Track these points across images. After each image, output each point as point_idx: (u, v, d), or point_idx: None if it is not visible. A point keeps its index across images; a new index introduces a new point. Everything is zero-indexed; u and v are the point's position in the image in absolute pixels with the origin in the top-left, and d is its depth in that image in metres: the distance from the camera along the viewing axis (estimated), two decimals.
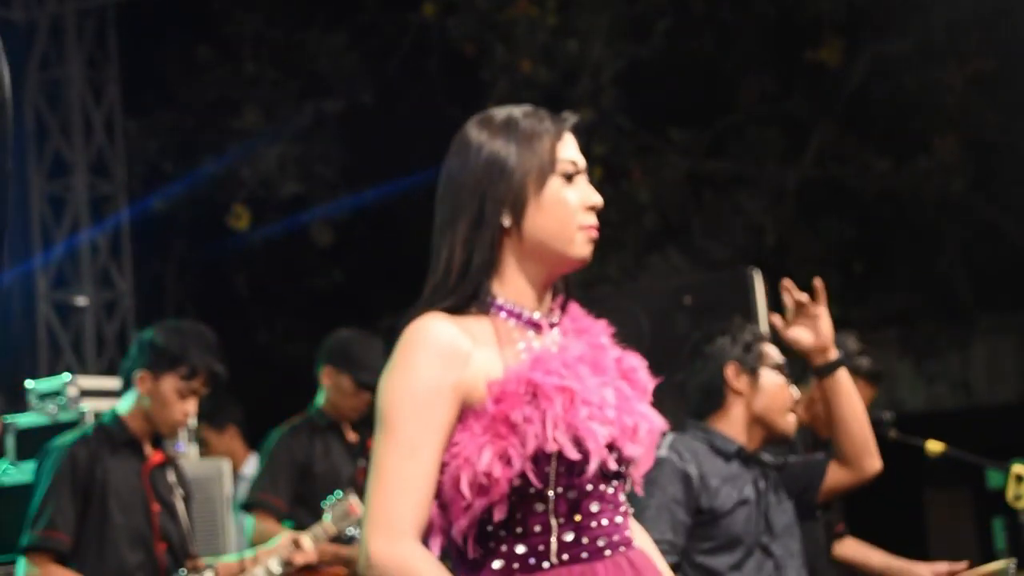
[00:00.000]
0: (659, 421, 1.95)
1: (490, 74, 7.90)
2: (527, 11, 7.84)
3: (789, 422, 3.14)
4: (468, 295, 1.88)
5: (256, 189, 8.25)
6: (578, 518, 1.84)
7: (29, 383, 4.80)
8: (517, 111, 1.96)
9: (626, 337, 5.57)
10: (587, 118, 8.01)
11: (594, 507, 1.86)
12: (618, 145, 8.28)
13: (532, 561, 1.82)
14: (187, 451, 5.16)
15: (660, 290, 5.67)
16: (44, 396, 4.86)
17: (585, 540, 1.84)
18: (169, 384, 3.55)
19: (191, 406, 3.59)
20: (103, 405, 4.45)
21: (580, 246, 1.93)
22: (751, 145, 8.57)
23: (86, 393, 4.91)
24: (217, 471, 5.17)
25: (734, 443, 3.08)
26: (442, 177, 1.96)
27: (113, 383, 4.97)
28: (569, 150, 1.96)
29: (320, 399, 4.45)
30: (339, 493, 3.97)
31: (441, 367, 1.82)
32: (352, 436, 4.43)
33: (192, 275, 9.49)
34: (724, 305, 4.84)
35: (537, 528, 1.82)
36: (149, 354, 3.58)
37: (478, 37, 8.02)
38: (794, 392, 3.17)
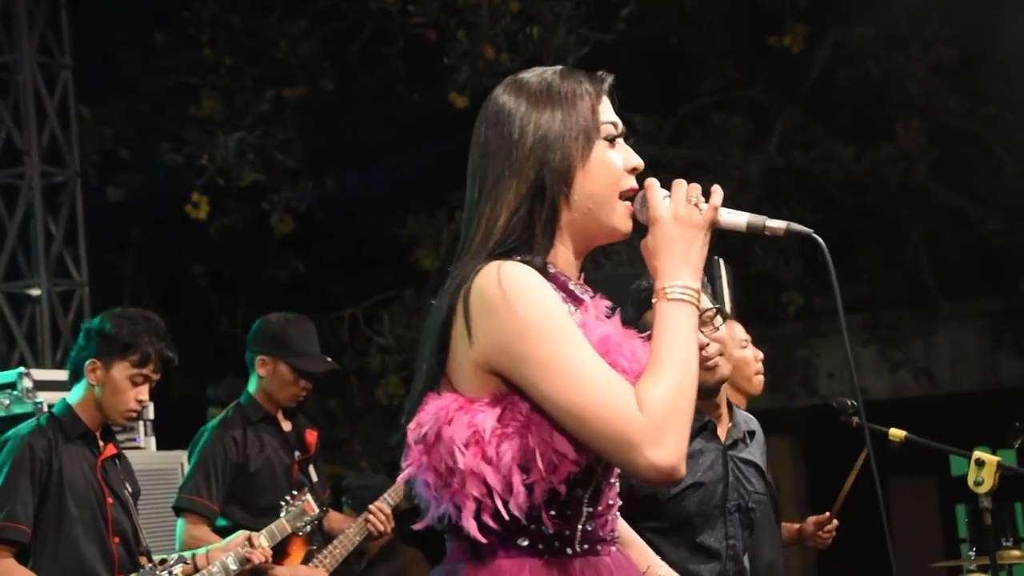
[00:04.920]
0: None
1: (452, 60, 7.81)
2: None
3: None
4: (518, 257, 1.79)
5: (215, 177, 8.12)
6: (600, 509, 1.82)
7: None
8: (550, 73, 1.90)
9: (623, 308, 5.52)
10: None
11: (610, 500, 1.85)
12: None
13: (557, 545, 1.78)
14: (144, 444, 5.08)
15: (624, 278, 5.63)
16: None
17: (600, 533, 1.82)
18: (121, 371, 3.50)
19: (143, 393, 3.54)
20: (58, 397, 4.36)
21: (623, 219, 1.87)
22: (715, 132, 8.54)
23: (41, 385, 4.82)
24: (176, 463, 5.09)
25: (701, 415, 3.00)
26: (479, 148, 1.89)
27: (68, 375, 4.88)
28: (609, 112, 1.90)
29: (253, 389, 4.27)
30: (293, 491, 3.96)
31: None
32: (287, 426, 4.31)
33: (150, 265, 9.36)
34: None
35: (569, 512, 1.78)
36: (99, 342, 3.52)
37: (440, 23, 7.93)
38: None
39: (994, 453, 3.61)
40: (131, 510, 3.61)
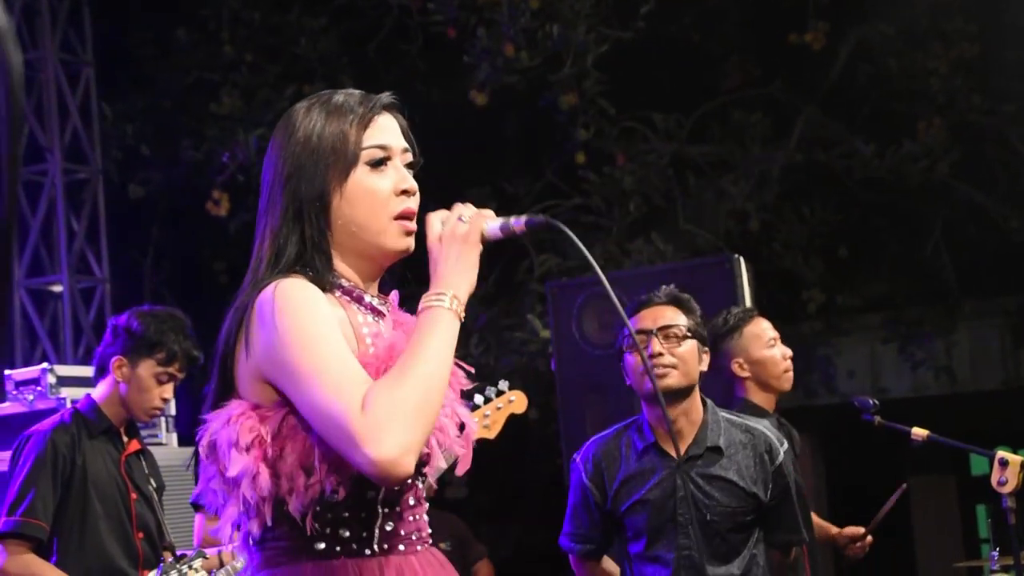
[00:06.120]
0: (473, 423, 1.97)
1: (472, 58, 7.82)
2: None
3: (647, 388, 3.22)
4: (309, 274, 1.85)
5: (235, 174, 8.14)
6: (398, 509, 1.85)
7: (6, 372, 4.73)
8: (336, 94, 1.93)
9: (611, 322, 5.50)
10: (570, 102, 7.96)
11: (411, 500, 1.88)
12: (601, 130, 8.22)
13: (355, 547, 1.81)
14: (166, 439, 5.11)
15: (644, 276, 5.63)
16: (21, 384, 4.80)
17: (402, 532, 1.85)
18: (147, 370, 3.52)
19: (168, 391, 3.56)
20: (81, 393, 4.39)
21: (394, 237, 1.90)
22: (735, 130, 8.52)
23: (64, 381, 4.85)
24: None
25: (649, 436, 3.26)
26: (265, 160, 1.96)
27: (91, 371, 4.92)
28: (379, 134, 1.91)
29: None
30: None
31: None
32: None
33: (170, 261, 9.39)
34: (709, 291, 4.81)
35: (363, 515, 1.81)
36: (126, 340, 3.54)
37: (459, 20, 7.93)
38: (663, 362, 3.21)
39: (1015, 452, 3.60)
40: (155, 505, 3.63)
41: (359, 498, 1.79)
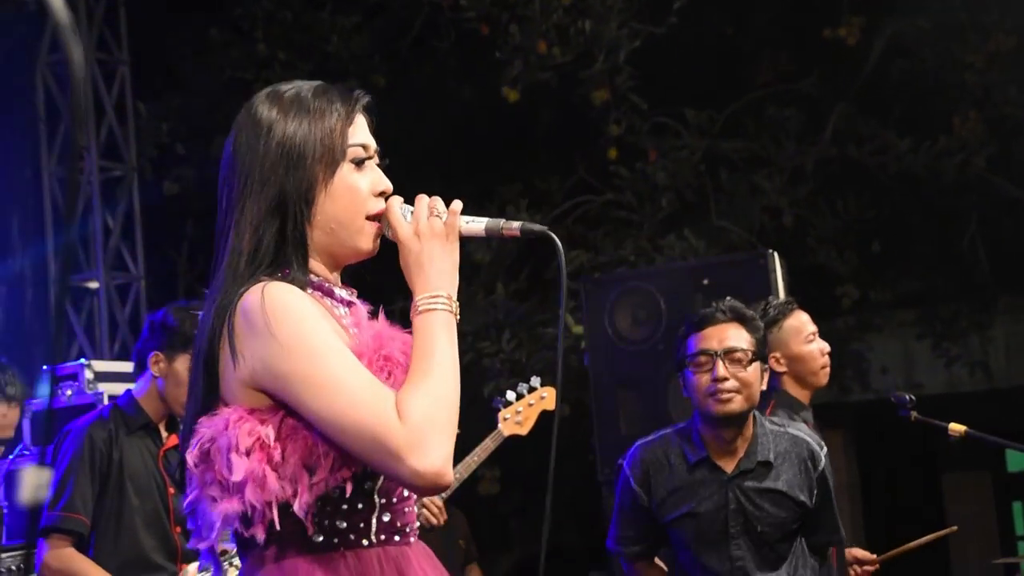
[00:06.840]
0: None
1: (504, 54, 7.82)
2: None
3: (714, 409, 3.24)
4: (279, 273, 1.83)
5: None
6: (394, 500, 1.84)
7: (44, 367, 4.78)
8: (307, 88, 1.91)
9: (645, 318, 5.48)
10: (602, 98, 7.95)
11: (405, 492, 1.86)
12: (634, 126, 8.21)
13: (352, 538, 1.80)
14: None
15: (678, 271, 5.62)
16: (59, 380, 4.85)
17: (399, 523, 1.85)
18: (183, 364, 3.54)
19: None
20: (118, 389, 4.43)
21: (367, 239, 1.90)
22: (768, 125, 8.48)
23: (101, 376, 4.90)
24: None
25: (701, 450, 3.28)
26: (229, 154, 1.91)
27: (127, 366, 4.96)
28: (360, 133, 1.92)
29: None
30: None
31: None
32: None
33: (205, 258, 9.46)
34: (742, 286, 4.80)
35: (360, 505, 1.80)
36: (163, 335, 3.57)
37: (491, 17, 7.94)
38: (723, 382, 3.22)
39: None
40: None
41: (358, 489, 1.79)
